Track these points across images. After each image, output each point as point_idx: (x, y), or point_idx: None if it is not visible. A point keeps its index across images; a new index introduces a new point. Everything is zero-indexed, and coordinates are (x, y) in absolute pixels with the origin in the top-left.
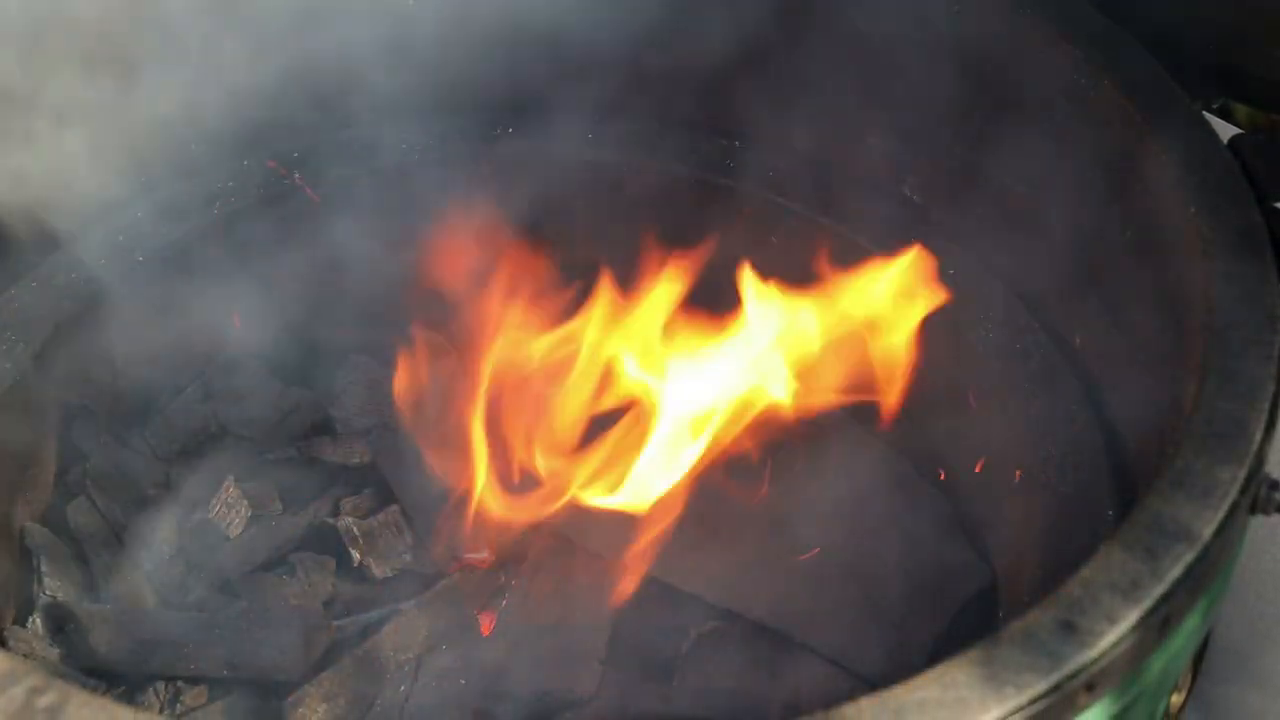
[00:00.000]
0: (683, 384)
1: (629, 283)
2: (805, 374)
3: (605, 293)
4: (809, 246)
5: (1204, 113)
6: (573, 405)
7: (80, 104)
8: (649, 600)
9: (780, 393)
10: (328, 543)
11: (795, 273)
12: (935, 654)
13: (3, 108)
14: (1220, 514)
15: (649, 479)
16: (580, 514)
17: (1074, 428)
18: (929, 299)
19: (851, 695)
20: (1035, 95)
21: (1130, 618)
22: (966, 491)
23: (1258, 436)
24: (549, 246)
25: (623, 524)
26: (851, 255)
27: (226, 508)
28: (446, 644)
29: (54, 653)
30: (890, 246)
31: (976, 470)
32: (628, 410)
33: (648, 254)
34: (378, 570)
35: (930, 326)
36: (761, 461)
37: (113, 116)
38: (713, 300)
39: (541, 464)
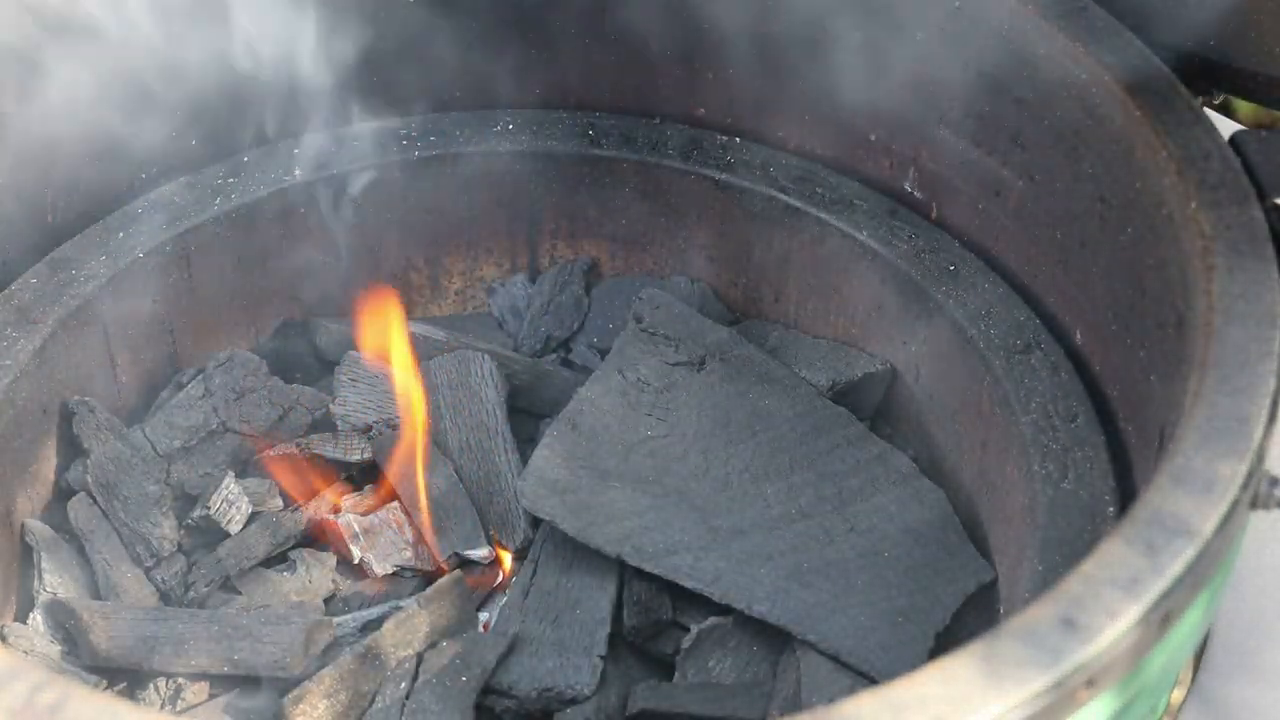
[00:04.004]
0: None
1: None
2: None
3: None
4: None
5: (1205, 109)
6: None
7: (79, 100)
8: (650, 596)
9: None
10: (328, 539)
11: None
12: (936, 650)
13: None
14: (1221, 510)
15: None
16: None
17: (1075, 423)
18: None
19: (853, 691)
20: (1036, 91)
21: (1131, 614)
22: (968, 487)
23: (1258, 432)
24: None
25: None
26: (849, 250)
27: (227, 504)
28: (447, 641)
29: (55, 649)
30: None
31: (978, 464)
32: None
33: None
34: (378, 567)
35: (934, 323)
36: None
37: (111, 112)
38: None
39: None
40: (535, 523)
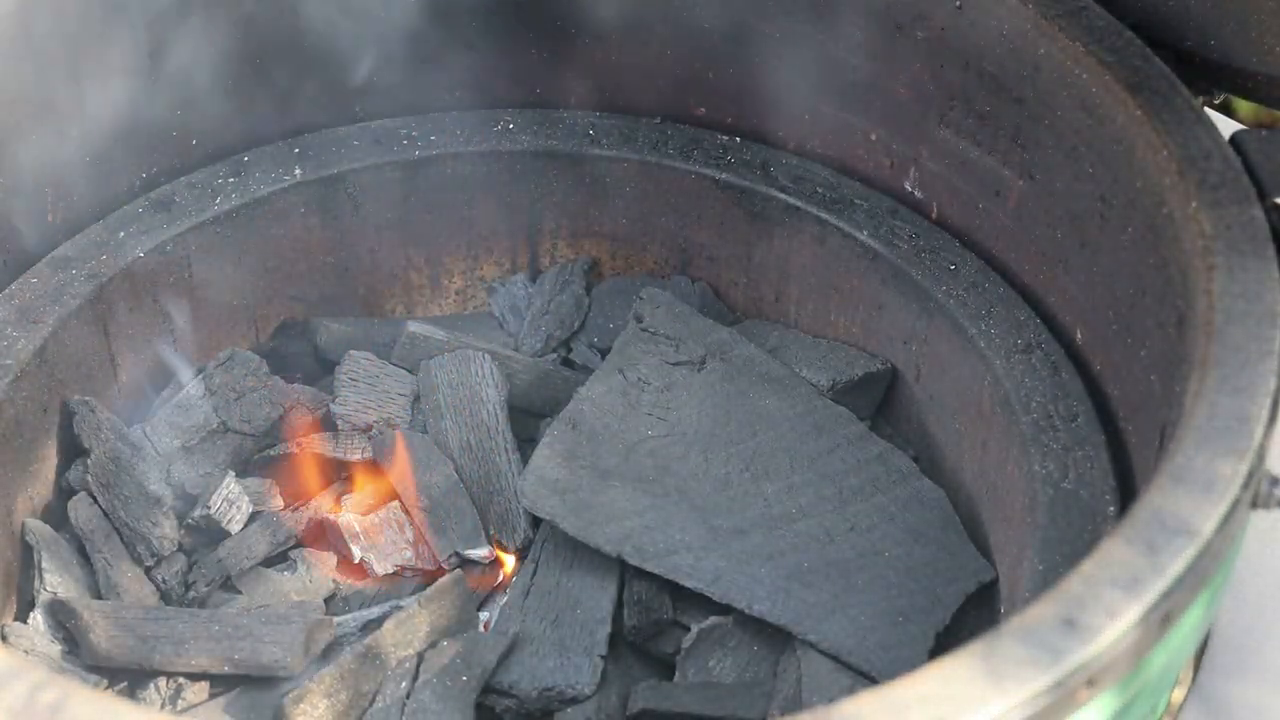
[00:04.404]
0: None
1: None
2: None
3: None
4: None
5: (1206, 108)
6: None
7: (79, 100)
8: (650, 596)
9: None
10: (329, 539)
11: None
12: (936, 650)
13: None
14: (1221, 509)
15: None
16: None
17: (1075, 423)
18: None
19: (853, 691)
20: (1036, 91)
21: (1131, 613)
22: (968, 487)
23: (1259, 432)
24: None
25: None
26: (849, 250)
27: (227, 504)
28: (447, 640)
29: (55, 649)
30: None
31: (978, 464)
32: None
33: None
34: (378, 567)
35: (934, 323)
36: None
37: (111, 112)
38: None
39: None
40: (535, 522)
